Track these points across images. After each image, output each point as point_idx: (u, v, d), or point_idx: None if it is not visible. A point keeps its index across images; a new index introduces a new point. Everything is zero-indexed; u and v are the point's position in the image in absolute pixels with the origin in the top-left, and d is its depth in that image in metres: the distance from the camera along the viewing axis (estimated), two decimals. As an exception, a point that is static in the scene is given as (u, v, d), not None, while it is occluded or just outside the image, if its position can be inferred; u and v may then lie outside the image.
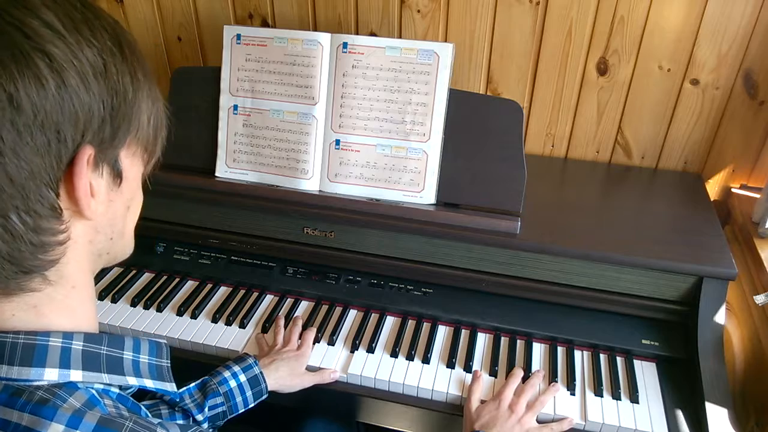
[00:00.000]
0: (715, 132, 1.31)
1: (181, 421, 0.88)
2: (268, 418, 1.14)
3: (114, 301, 1.16)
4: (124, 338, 0.52)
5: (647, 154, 1.38)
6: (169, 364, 0.57)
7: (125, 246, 0.56)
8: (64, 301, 0.49)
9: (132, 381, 0.52)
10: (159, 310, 1.15)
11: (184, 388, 0.91)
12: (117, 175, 0.49)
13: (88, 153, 0.45)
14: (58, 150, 0.43)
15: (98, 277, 1.21)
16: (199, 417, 0.89)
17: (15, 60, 0.40)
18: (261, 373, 0.96)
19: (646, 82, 1.29)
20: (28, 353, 0.45)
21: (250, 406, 0.95)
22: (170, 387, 0.56)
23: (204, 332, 1.10)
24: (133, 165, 0.51)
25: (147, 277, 1.23)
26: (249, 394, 0.95)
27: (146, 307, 1.16)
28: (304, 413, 1.15)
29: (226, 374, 0.94)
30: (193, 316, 1.14)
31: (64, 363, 0.46)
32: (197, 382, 0.93)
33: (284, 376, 0.99)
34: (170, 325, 1.12)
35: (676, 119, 1.32)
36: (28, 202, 0.43)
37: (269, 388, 0.97)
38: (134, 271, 1.23)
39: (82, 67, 0.43)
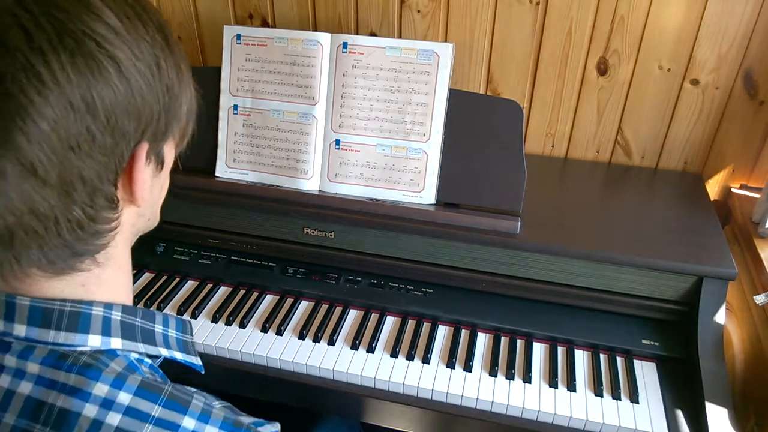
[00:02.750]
0: (715, 132, 1.31)
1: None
2: (269, 418, 1.14)
3: (114, 301, 1.16)
4: (155, 313, 0.56)
5: (647, 154, 1.38)
6: (193, 340, 0.61)
7: (156, 222, 0.60)
8: (110, 280, 0.52)
9: (164, 352, 0.55)
10: (159, 309, 1.15)
11: None
12: (160, 163, 0.53)
13: (145, 149, 0.48)
14: (121, 149, 0.46)
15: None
16: None
17: (89, 68, 0.42)
18: None
19: (646, 82, 1.29)
20: (73, 320, 0.48)
21: None
22: (197, 361, 0.60)
23: (204, 332, 1.10)
24: (171, 151, 0.54)
25: (147, 276, 1.23)
26: None
27: (146, 307, 1.15)
28: (307, 414, 1.15)
29: None
30: (193, 316, 1.14)
31: (106, 331, 0.49)
32: None
33: None
34: (170, 325, 1.12)
35: (676, 119, 1.32)
36: (93, 197, 0.45)
37: None
38: (134, 271, 1.23)
39: (143, 68, 0.45)
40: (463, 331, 1.11)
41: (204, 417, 0.48)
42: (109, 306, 0.51)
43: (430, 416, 1.01)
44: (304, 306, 1.17)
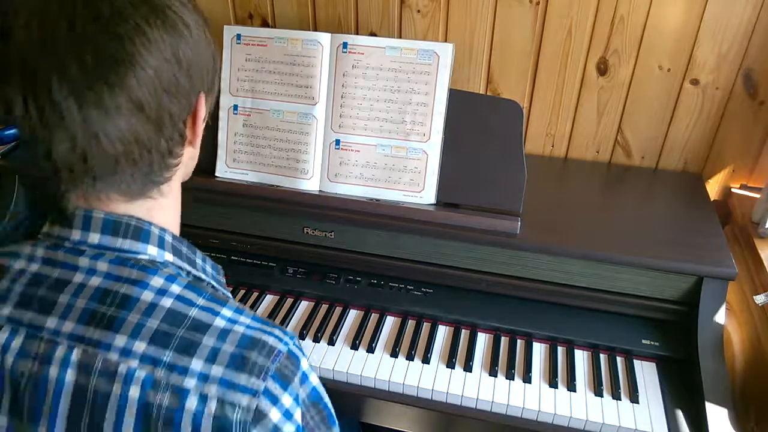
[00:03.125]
0: (715, 132, 1.31)
1: None
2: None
3: (114, 301, 1.16)
4: (196, 249, 0.67)
5: (647, 154, 1.38)
6: (225, 283, 0.72)
7: (192, 169, 0.70)
8: (167, 209, 0.64)
9: (204, 277, 0.66)
10: (159, 310, 1.15)
11: None
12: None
13: (204, 98, 0.61)
14: (191, 95, 0.58)
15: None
16: None
17: (175, 32, 0.55)
18: None
19: (646, 82, 1.29)
20: (137, 232, 0.59)
21: None
22: (230, 295, 0.70)
23: (204, 332, 1.10)
24: (210, 104, 0.65)
25: (147, 277, 1.23)
26: None
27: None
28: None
29: None
30: (193, 316, 1.14)
31: (161, 246, 0.61)
32: None
33: None
34: (170, 325, 1.12)
35: (676, 119, 1.32)
36: (173, 131, 0.58)
37: None
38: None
39: (202, 34, 0.59)
40: (463, 331, 1.11)
41: (239, 311, 0.59)
42: (163, 230, 0.62)
43: (430, 416, 1.01)
44: (304, 306, 1.17)
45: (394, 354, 1.06)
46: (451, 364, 1.04)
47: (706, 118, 1.30)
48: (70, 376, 0.54)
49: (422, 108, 1.11)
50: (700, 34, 1.21)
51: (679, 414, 0.96)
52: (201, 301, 0.57)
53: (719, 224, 1.14)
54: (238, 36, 1.16)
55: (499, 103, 1.10)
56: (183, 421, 0.52)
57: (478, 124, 1.10)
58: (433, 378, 1.01)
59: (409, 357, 1.05)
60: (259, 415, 0.53)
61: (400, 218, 1.11)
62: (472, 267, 1.12)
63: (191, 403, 0.52)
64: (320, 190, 1.17)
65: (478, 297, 1.13)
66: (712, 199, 1.30)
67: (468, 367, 1.03)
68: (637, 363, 1.05)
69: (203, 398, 0.53)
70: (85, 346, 0.54)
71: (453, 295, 1.14)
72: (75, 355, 0.54)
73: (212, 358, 0.54)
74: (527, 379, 1.01)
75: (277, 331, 0.58)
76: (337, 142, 1.15)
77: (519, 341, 1.09)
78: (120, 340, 0.54)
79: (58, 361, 0.54)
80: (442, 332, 1.11)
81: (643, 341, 1.06)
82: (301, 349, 0.60)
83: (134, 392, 0.52)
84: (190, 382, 0.53)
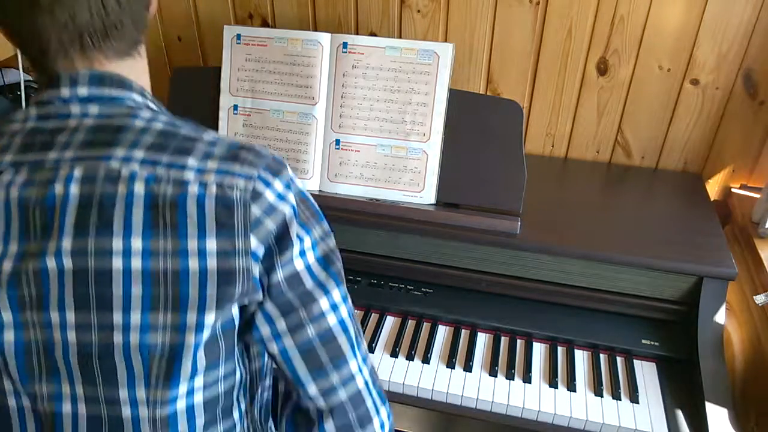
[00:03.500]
0: (715, 132, 1.31)
1: None
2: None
3: (114, 301, 1.16)
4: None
5: (647, 154, 1.38)
6: None
7: None
8: (144, 72, 0.69)
9: None
10: (159, 310, 1.15)
11: None
12: None
13: None
14: None
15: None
16: None
17: None
18: None
19: (646, 82, 1.29)
20: (121, 83, 0.63)
21: None
22: None
23: (204, 332, 1.10)
24: None
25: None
26: None
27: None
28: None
29: None
30: (193, 316, 1.14)
31: (143, 96, 0.65)
32: None
33: None
34: (170, 325, 1.12)
35: (676, 119, 1.32)
36: None
37: None
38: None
39: None
40: (463, 331, 1.11)
41: (219, 136, 0.64)
42: (143, 87, 0.66)
43: (430, 416, 1.01)
44: (304, 306, 1.17)
45: (394, 354, 1.06)
46: (451, 364, 1.04)
47: (706, 118, 1.30)
48: (74, 189, 0.57)
49: (422, 108, 1.11)
50: (700, 34, 1.21)
51: (679, 414, 0.96)
52: (187, 126, 0.63)
53: (719, 224, 1.14)
54: (238, 36, 1.16)
55: (499, 103, 1.10)
56: (188, 202, 0.58)
57: (478, 124, 1.10)
58: (433, 378, 1.01)
59: (409, 357, 1.05)
60: (256, 194, 0.60)
61: (400, 218, 1.11)
62: (472, 267, 1.12)
63: (193, 189, 0.58)
64: (320, 190, 1.17)
65: (478, 297, 1.13)
66: (712, 199, 1.30)
67: (468, 367, 1.03)
68: (637, 363, 1.05)
69: (203, 185, 0.58)
70: (87, 162, 0.58)
71: (453, 295, 1.14)
72: (78, 171, 0.58)
73: (206, 156, 0.60)
74: (527, 379, 1.01)
75: (259, 144, 0.65)
76: (337, 142, 1.15)
77: (519, 341, 1.09)
78: (120, 152, 0.58)
79: (62, 179, 0.58)
80: (442, 332, 1.11)
81: (643, 341, 1.06)
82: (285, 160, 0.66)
83: (139, 188, 0.57)
84: (189, 175, 0.58)
